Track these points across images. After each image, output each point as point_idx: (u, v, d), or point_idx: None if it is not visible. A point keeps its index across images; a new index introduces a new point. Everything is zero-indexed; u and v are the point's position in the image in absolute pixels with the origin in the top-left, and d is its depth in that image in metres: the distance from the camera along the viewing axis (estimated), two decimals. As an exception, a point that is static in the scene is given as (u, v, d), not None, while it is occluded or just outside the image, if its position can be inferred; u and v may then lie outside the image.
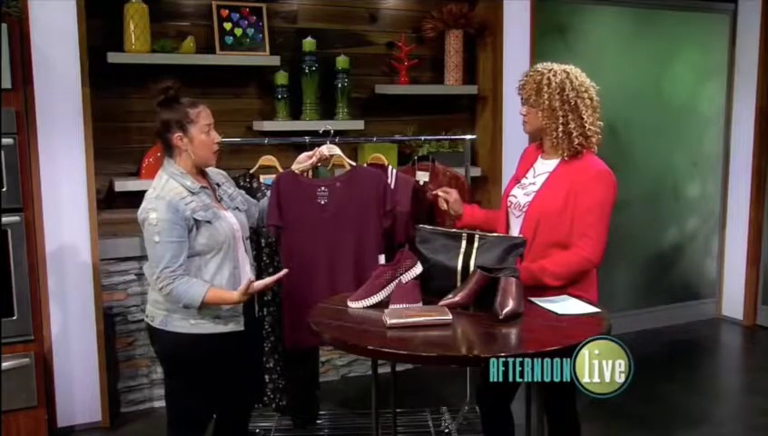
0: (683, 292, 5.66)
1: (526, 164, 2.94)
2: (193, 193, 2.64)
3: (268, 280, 2.75)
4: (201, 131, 2.68)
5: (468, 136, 4.04)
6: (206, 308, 2.64)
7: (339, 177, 3.27)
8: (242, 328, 2.77)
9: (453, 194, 3.09)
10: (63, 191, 3.69)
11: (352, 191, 3.21)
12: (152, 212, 2.58)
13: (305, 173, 3.20)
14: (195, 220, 2.61)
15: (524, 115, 2.85)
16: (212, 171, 2.84)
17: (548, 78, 2.76)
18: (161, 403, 4.08)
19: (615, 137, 5.10)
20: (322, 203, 3.20)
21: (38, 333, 3.62)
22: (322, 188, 3.20)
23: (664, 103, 5.37)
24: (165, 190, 2.61)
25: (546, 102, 2.75)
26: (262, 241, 3.41)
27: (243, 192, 3.04)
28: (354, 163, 3.31)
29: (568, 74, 2.77)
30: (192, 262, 2.63)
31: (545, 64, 2.83)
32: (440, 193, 3.11)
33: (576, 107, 2.73)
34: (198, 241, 2.63)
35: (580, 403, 2.84)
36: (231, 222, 2.74)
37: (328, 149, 3.24)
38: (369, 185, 3.21)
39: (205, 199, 2.68)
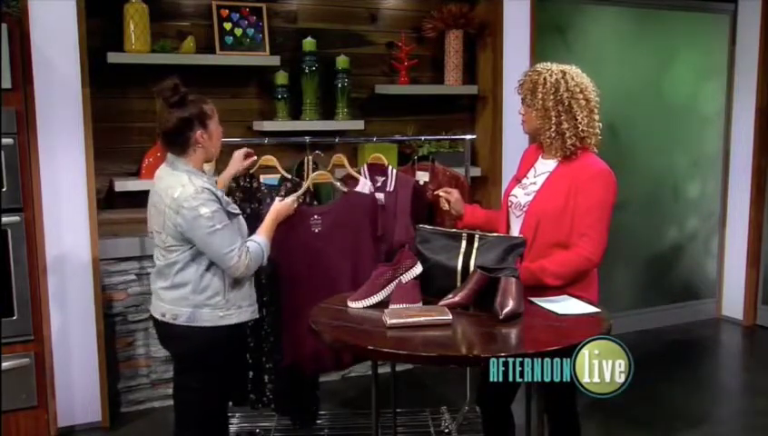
0: (683, 292, 5.66)
1: (527, 164, 2.94)
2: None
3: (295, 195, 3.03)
4: (216, 125, 2.71)
5: (468, 136, 4.04)
6: (232, 298, 2.69)
7: (332, 204, 3.28)
8: (258, 315, 2.85)
9: (454, 194, 3.09)
10: (63, 191, 3.69)
11: (345, 217, 3.21)
12: (201, 208, 2.56)
13: (299, 199, 3.12)
14: (228, 212, 2.64)
15: (522, 115, 2.86)
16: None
17: (544, 78, 2.76)
18: (161, 403, 4.09)
19: (615, 137, 5.09)
20: (316, 230, 3.20)
21: (38, 333, 3.62)
22: (315, 216, 3.20)
23: (664, 103, 5.37)
24: (197, 185, 2.59)
25: (540, 102, 2.75)
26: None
27: None
28: (346, 189, 3.29)
29: (565, 74, 2.77)
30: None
31: (545, 63, 2.83)
32: (442, 194, 3.11)
33: (570, 108, 2.73)
34: None
35: (580, 403, 2.84)
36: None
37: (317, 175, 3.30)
38: (361, 210, 3.22)
39: (222, 195, 2.70)
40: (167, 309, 2.70)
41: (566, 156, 2.76)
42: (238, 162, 3.17)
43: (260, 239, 2.74)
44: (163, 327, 2.74)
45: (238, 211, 2.72)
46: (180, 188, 2.58)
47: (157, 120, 2.71)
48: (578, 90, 2.75)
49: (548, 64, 2.83)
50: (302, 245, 3.19)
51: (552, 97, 2.74)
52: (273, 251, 2.95)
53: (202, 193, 2.57)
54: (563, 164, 2.78)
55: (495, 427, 3.04)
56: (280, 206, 2.87)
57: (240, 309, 2.72)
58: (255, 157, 3.24)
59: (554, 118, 2.74)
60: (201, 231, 2.56)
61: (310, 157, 3.38)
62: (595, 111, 2.79)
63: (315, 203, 3.37)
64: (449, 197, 3.09)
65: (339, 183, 3.42)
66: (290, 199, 2.93)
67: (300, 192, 3.17)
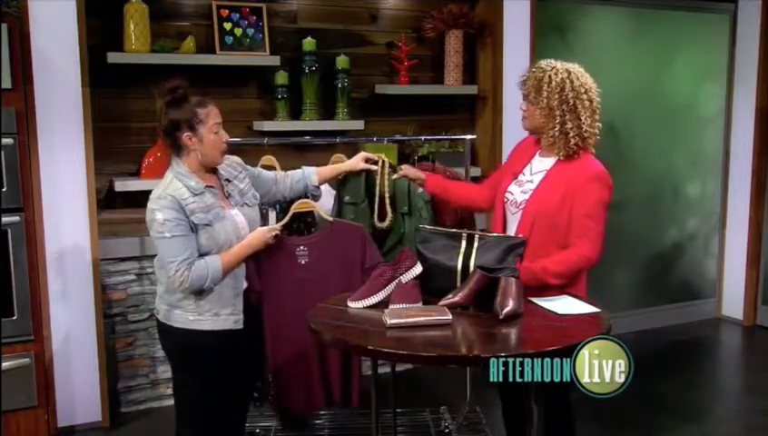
0: (683, 292, 5.66)
1: (522, 158, 2.95)
2: (196, 194, 2.64)
3: (277, 225, 2.95)
4: (211, 131, 2.68)
5: (468, 136, 4.05)
6: (208, 299, 2.68)
7: (318, 234, 3.17)
8: (242, 326, 2.79)
9: (406, 171, 3.18)
10: (63, 191, 3.69)
11: (332, 248, 3.10)
12: (157, 212, 2.61)
13: (282, 229, 3.00)
14: (195, 223, 2.63)
15: (523, 111, 2.87)
16: (229, 161, 2.84)
17: (549, 76, 2.76)
18: (161, 403, 4.09)
19: (615, 137, 5.09)
20: (302, 262, 3.09)
21: (38, 333, 3.62)
22: (301, 247, 3.09)
23: (664, 103, 5.37)
24: (168, 190, 2.63)
25: (545, 100, 2.76)
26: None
27: (249, 182, 2.93)
28: (332, 219, 3.18)
29: (570, 73, 2.77)
30: None
31: (549, 61, 2.84)
32: (402, 174, 3.19)
33: (575, 108, 2.74)
34: (198, 241, 2.65)
35: (580, 403, 2.83)
36: (237, 221, 2.75)
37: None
38: (348, 241, 3.10)
39: (208, 199, 2.68)
40: (156, 303, 2.80)
41: (567, 156, 2.77)
42: (357, 160, 3.19)
43: (213, 260, 2.65)
44: (156, 319, 2.82)
45: (210, 221, 2.66)
46: (155, 189, 2.67)
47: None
48: (583, 90, 2.76)
49: (552, 61, 2.83)
50: (288, 277, 3.07)
51: (557, 97, 2.74)
52: (259, 285, 2.97)
53: (165, 198, 2.61)
54: (561, 164, 2.80)
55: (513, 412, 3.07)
56: (256, 233, 2.79)
57: (216, 316, 2.71)
58: (374, 168, 3.21)
59: (558, 118, 2.75)
60: (152, 233, 2.64)
61: (386, 160, 3.24)
62: (597, 111, 2.80)
63: (309, 230, 3.29)
64: (406, 173, 3.17)
65: (419, 185, 3.24)
66: (269, 228, 2.86)
67: (283, 222, 3.09)
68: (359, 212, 3.25)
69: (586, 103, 2.76)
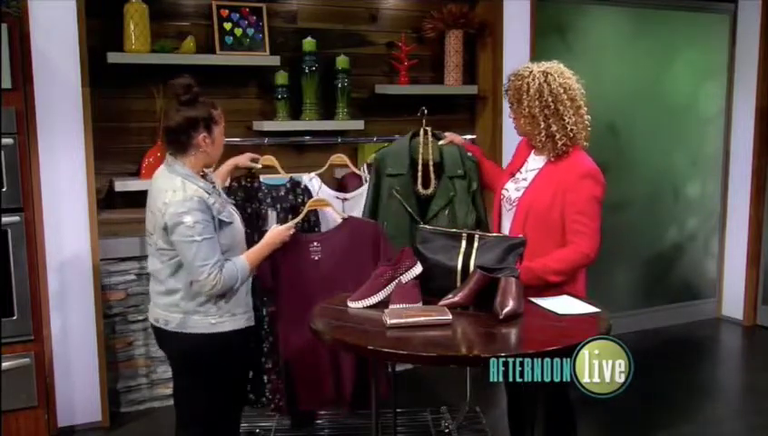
0: (683, 292, 5.66)
1: (520, 158, 3.00)
2: (209, 194, 2.63)
3: (291, 223, 2.95)
4: (221, 132, 2.69)
5: (468, 136, 4.05)
6: (224, 305, 2.67)
7: (333, 230, 3.17)
8: (253, 323, 2.81)
9: (452, 137, 3.35)
10: (63, 191, 3.69)
11: (346, 243, 3.09)
12: (185, 215, 2.53)
13: (297, 225, 3.01)
14: (220, 220, 2.62)
15: (513, 119, 2.91)
16: None
17: (527, 84, 2.79)
18: (161, 403, 4.09)
19: (615, 137, 5.10)
20: (316, 258, 3.08)
21: (38, 333, 3.62)
22: (315, 243, 3.08)
23: (664, 103, 5.37)
24: (188, 191, 2.57)
25: (527, 109, 2.80)
26: (255, 235, 3.41)
27: None
28: (345, 215, 3.20)
29: (547, 76, 2.79)
30: None
31: (527, 65, 2.88)
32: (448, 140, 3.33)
33: (557, 111, 2.77)
34: (220, 241, 2.62)
35: (579, 403, 2.84)
36: (238, 217, 2.79)
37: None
38: (362, 237, 3.09)
39: (217, 198, 2.68)
40: (160, 314, 2.71)
41: (558, 156, 2.81)
42: (243, 157, 3.20)
43: (240, 261, 2.65)
44: (158, 331, 2.75)
45: (231, 218, 2.67)
46: (171, 193, 2.57)
47: (163, 116, 2.70)
48: (562, 90, 2.78)
49: (530, 65, 2.86)
50: (302, 274, 3.07)
51: (537, 104, 2.77)
52: (271, 279, 2.97)
53: (191, 200, 2.55)
54: (551, 162, 2.84)
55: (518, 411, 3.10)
56: (274, 232, 2.81)
57: (234, 316, 2.71)
58: (258, 166, 3.27)
59: (542, 123, 2.79)
60: (178, 237, 2.55)
61: (428, 128, 3.29)
62: (582, 106, 2.83)
63: (316, 229, 3.30)
64: (452, 139, 3.31)
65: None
66: (286, 226, 2.86)
67: (297, 220, 3.07)
68: (402, 181, 3.29)
69: (567, 103, 2.77)
